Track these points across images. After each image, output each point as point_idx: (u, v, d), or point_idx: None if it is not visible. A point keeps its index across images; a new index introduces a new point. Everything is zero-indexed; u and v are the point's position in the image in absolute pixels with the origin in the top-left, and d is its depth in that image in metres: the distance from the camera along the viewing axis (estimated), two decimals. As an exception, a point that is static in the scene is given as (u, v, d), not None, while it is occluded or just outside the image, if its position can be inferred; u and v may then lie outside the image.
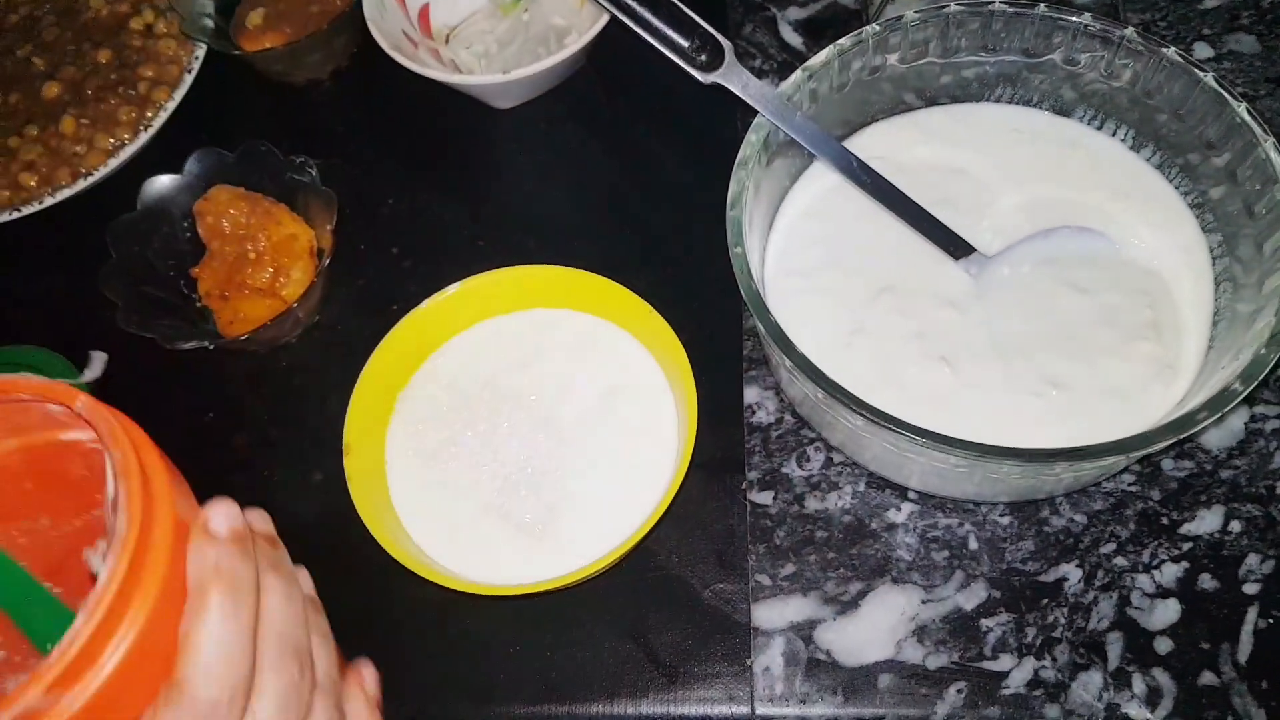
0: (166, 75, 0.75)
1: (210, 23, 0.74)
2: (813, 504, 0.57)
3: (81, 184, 0.70)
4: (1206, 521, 0.55)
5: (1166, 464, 0.56)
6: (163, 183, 0.66)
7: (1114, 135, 0.58)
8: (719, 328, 0.62)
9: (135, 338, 0.59)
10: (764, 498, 0.57)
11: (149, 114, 0.73)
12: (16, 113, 0.75)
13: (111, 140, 0.72)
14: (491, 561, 0.52)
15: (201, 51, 0.74)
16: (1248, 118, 0.50)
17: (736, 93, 0.54)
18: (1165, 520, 0.55)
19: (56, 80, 0.75)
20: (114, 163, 0.71)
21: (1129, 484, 0.56)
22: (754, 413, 0.59)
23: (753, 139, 0.53)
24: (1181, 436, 0.44)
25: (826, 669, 0.53)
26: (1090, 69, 0.55)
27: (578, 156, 0.71)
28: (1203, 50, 0.67)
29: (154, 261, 0.65)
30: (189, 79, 0.73)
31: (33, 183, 0.71)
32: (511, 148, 0.72)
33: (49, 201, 0.69)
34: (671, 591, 0.55)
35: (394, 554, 0.50)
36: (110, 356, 0.62)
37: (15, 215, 0.69)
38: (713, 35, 0.54)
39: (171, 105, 0.72)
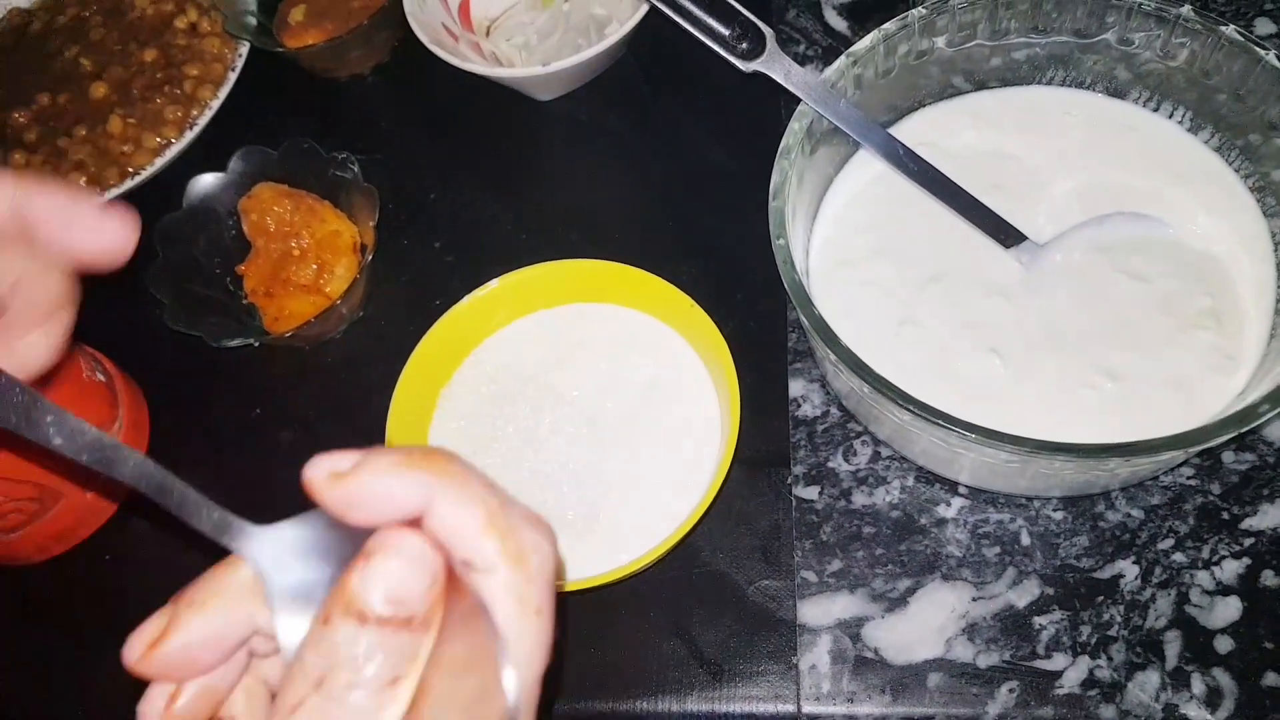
0: (211, 73, 0.75)
1: (253, 20, 0.75)
2: (860, 499, 0.56)
3: (130, 183, 0.71)
4: (1269, 516, 0.53)
5: (1227, 457, 0.54)
6: (208, 181, 0.67)
7: (1170, 117, 0.56)
8: (764, 320, 0.61)
9: (183, 336, 0.60)
10: (810, 493, 0.56)
11: (194, 112, 0.73)
12: (66, 113, 0.76)
13: (158, 139, 0.73)
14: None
15: (245, 49, 0.75)
16: (1312, 97, 0.48)
17: (779, 81, 0.53)
18: (1226, 515, 0.53)
19: (104, 80, 0.76)
20: (160, 161, 0.71)
21: (1188, 478, 0.54)
22: (799, 406, 0.58)
23: (795, 128, 0.52)
24: (1243, 430, 0.42)
25: (874, 667, 0.52)
26: (1145, 49, 0.54)
27: (619, 148, 0.70)
28: (1264, 26, 0.65)
29: (200, 260, 0.66)
30: (233, 77, 0.74)
31: (82, 182, 0.72)
32: (553, 140, 0.72)
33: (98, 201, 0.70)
34: (716, 588, 0.54)
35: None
36: (159, 354, 0.64)
37: (66, 215, 0.70)
38: (754, 22, 0.53)
39: (216, 104, 0.73)
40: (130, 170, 0.72)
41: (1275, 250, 0.52)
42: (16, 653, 0.59)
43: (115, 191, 0.70)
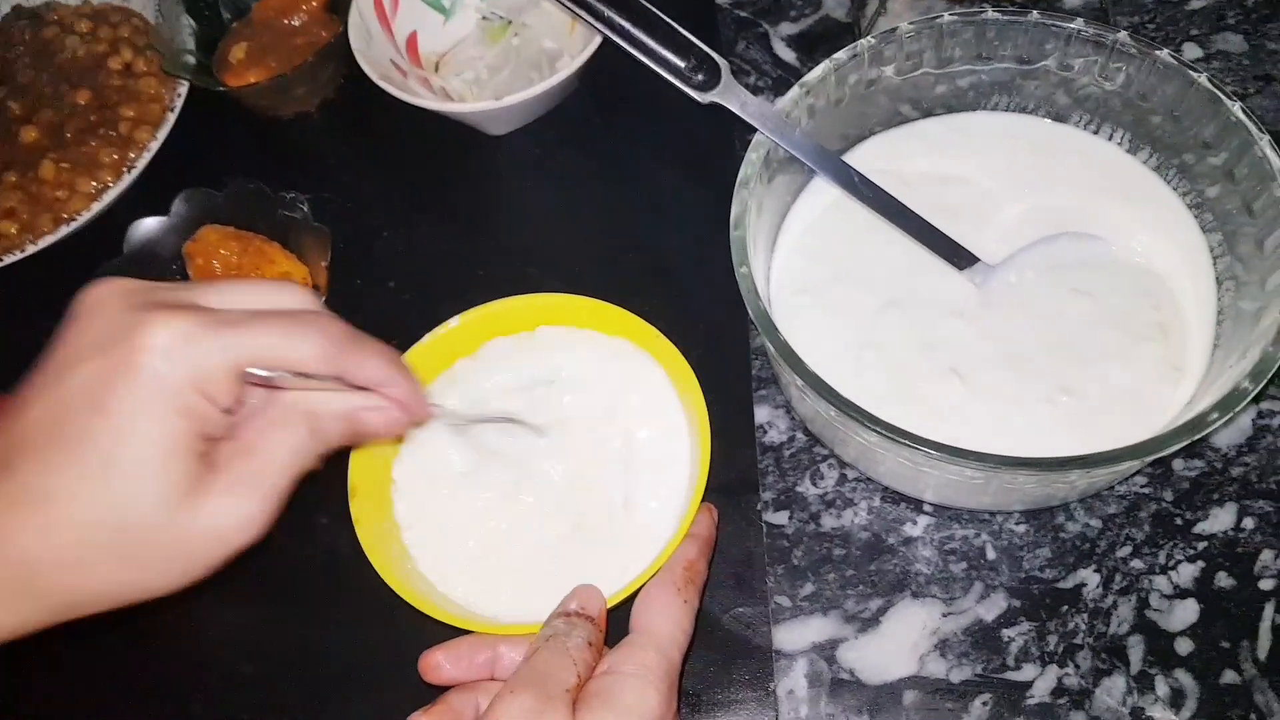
0: (148, 114, 0.74)
1: (192, 59, 0.73)
2: (829, 522, 0.56)
3: (65, 230, 0.69)
4: (1220, 520, 0.55)
5: (1177, 464, 0.56)
6: (149, 225, 0.65)
7: (1110, 139, 0.58)
8: (727, 348, 0.61)
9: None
10: (780, 518, 0.57)
11: (131, 155, 0.72)
12: (-6, 159, 0.74)
13: (94, 184, 0.71)
14: (506, 596, 0.52)
15: (184, 89, 0.73)
16: (1242, 116, 0.50)
17: (735, 111, 0.54)
18: (1179, 520, 0.55)
19: (34, 124, 0.74)
20: (98, 206, 0.69)
21: (1141, 486, 0.56)
22: (765, 432, 0.59)
23: (753, 157, 0.53)
24: (1194, 438, 0.44)
25: (851, 688, 0.52)
26: (1084, 74, 0.56)
27: (575, 181, 0.70)
28: (1192, 51, 0.68)
29: (146, 305, 0.64)
30: (172, 118, 0.72)
31: (14, 230, 0.70)
32: (507, 174, 0.71)
33: (31, 249, 0.68)
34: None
35: (405, 595, 0.49)
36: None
37: (-1, 264, 0.68)
38: (709, 54, 0.54)
39: (155, 145, 0.71)
40: (65, 216, 0.70)
41: (1215, 263, 0.54)
42: (22, 661, 0.57)
43: (49, 239, 0.68)
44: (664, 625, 0.45)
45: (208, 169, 0.72)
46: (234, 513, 0.37)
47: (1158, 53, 0.52)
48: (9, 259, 0.68)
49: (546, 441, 0.55)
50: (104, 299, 0.37)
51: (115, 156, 0.72)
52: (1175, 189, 0.56)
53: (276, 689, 0.56)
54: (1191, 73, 0.51)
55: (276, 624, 0.58)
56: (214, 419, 0.37)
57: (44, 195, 0.71)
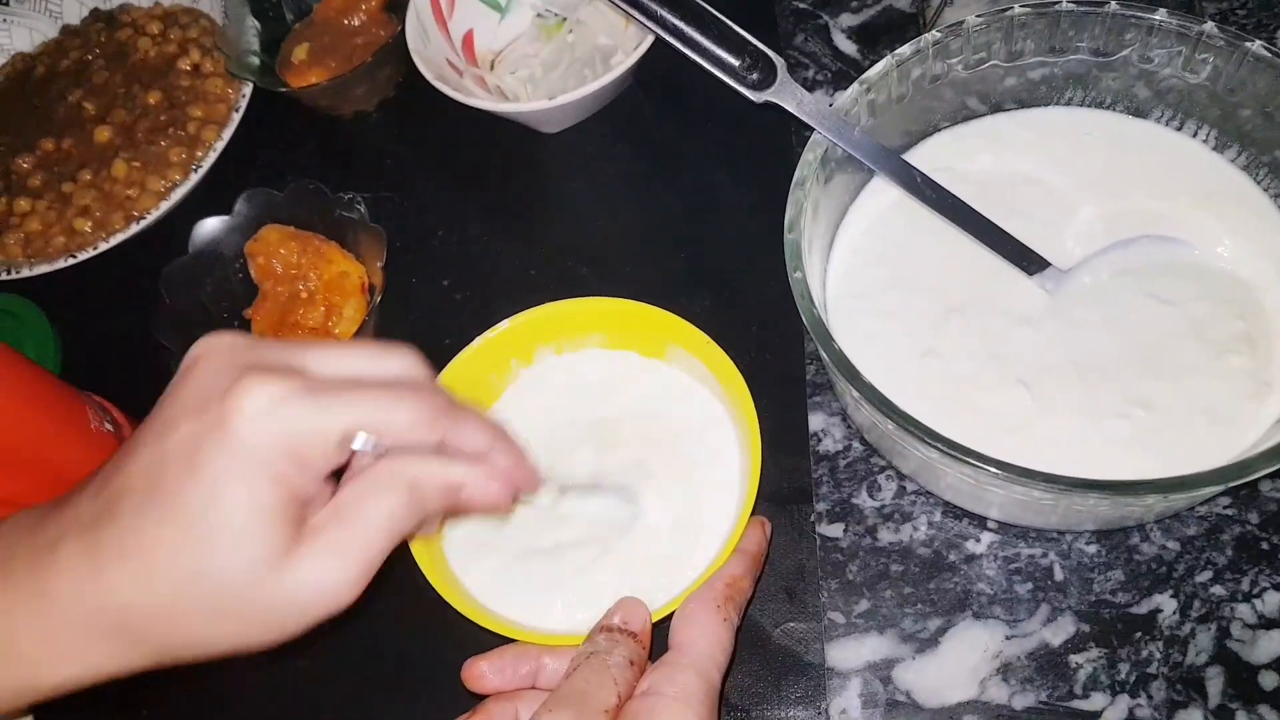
0: (215, 114, 0.75)
1: (256, 60, 0.74)
2: (886, 536, 0.54)
3: (135, 228, 0.70)
4: (1311, 545, 0.51)
5: (1264, 485, 0.53)
6: (213, 225, 0.66)
7: (1194, 136, 0.55)
8: (781, 352, 0.59)
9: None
10: (834, 530, 0.55)
11: (199, 154, 0.73)
12: (70, 158, 0.76)
13: (163, 182, 0.72)
14: (550, 607, 0.51)
15: (248, 89, 0.74)
16: (1342, 112, 0.46)
17: (791, 110, 0.52)
18: (1265, 545, 0.51)
19: (108, 124, 0.76)
20: (166, 205, 0.71)
21: (1224, 507, 0.52)
22: (820, 440, 0.57)
23: (809, 158, 0.51)
24: (1284, 462, 0.41)
25: (907, 711, 0.50)
26: (1166, 66, 0.52)
27: (628, 180, 0.69)
28: (1287, 39, 0.64)
29: (208, 305, 0.65)
30: (236, 117, 0.73)
31: (88, 228, 0.72)
32: (560, 173, 0.70)
33: (103, 246, 0.70)
34: (740, 632, 0.53)
35: (453, 602, 0.49)
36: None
37: (71, 261, 0.69)
38: (764, 52, 0.52)
39: (220, 145, 0.72)
40: (135, 214, 0.71)
41: (1308, 271, 0.51)
42: None
43: (121, 236, 0.70)
44: (704, 644, 0.44)
45: (269, 168, 0.73)
46: (324, 579, 0.37)
47: (1248, 44, 0.49)
48: (83, 255, 0.70)
49: (590, 450, 0.54)
50: (209, 354, 0.38)
51: (184, 156, 0.73)
52: (1265, 190, 0.53)
53: (328, 685, 0.56)
54: (1286, 65, 0.48)
55: (327, 621, 0.58)
56: (309, 485, 0.37)
57: (116, 194, 0.73)
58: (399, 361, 0.41)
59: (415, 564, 0.50)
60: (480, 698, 0.47)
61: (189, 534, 0.35)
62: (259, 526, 0.36)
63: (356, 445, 0.37)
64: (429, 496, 0.39)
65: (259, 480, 0.35)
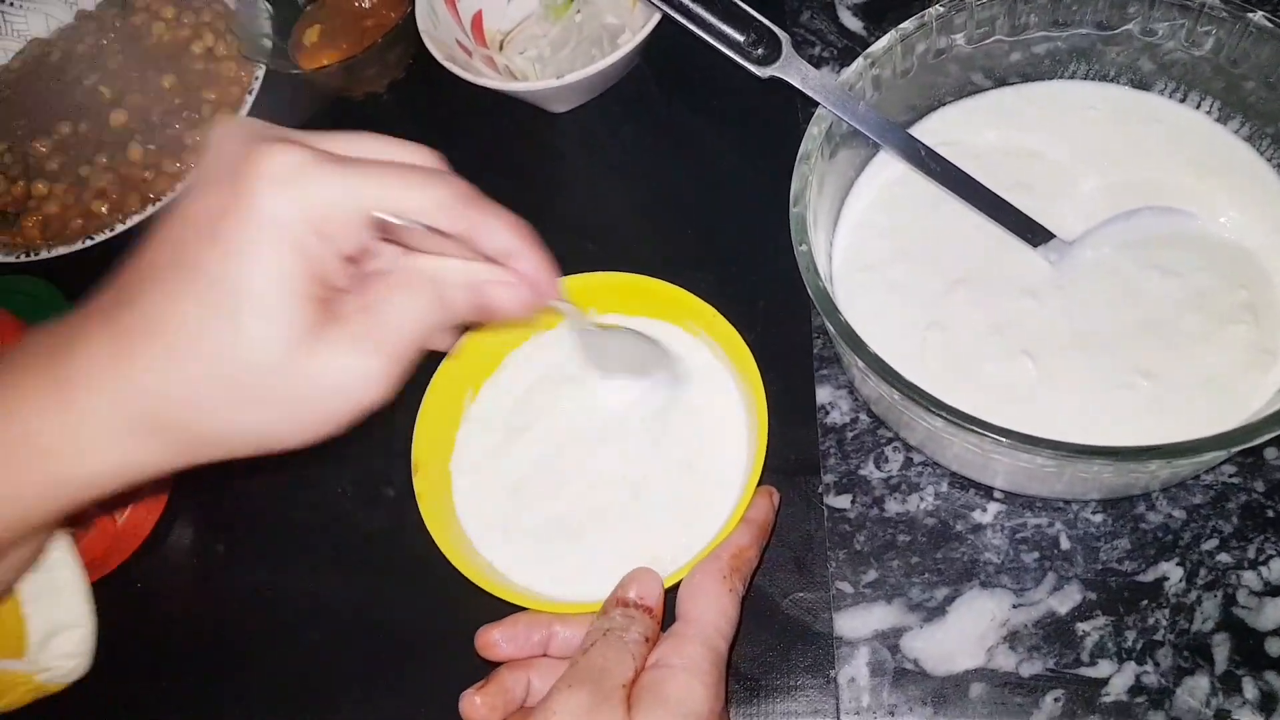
0: (228, 97, 0.75)
1: (269, 43, 0.75)
2: (893, 506, 0.55)
3: (151, 209, 0.71)
4: (1316, 512, 0.51)
5: (1270, 453, 0.53)
6: (227, 206, 0.67)
7: (1198, 108, 0.55)
8: (788, 325, 0.60)
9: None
10: (842, 501, 0.55)
11: (213, 137, 0.73)
12: (87, 142, 0.76)
13: (178, 165, 0.73)
14: (561, 576, 0.51)
15: (261, 72, 0.75)
16: (1346, 82, 0.46)
17: (796, 85, 0.52)
18: (1271, 513, 0.52)
19: (123, 108, 0.76)
20: (181, 187, 0.71)
21: (1230, 475, 0.53)
22: (827, 413, 0.58)
23: (814, 132, 0.51)
24: (1288, 427, 0.41)
25: (914, 679, 0.51)
26: (1169, 39, 0.52)
27: (635, 157, 0.70)
28: (1293, 10, 0.63)
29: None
30: (250, 100, 0.74)
31: (104, 210, 0.73)
32: (569, 152, 0.71)
33: (120, 228, 0.70)
34: (750, 602, 0.53)
35: (466, 572, 0.50)
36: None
37: (89, 243, 0.70)
38: (769, 28, 0.53)
39: (234, 127, 0.73)
40: (152, 196, 0.72)
41: (1312, 240, 0.51)
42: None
43: (137, 218, 0.70)
44: (710, 615, 0.44)
45: (283, 150, 0.73)
46: (357, 366, 0.36)
47: (1251, 15, 0.49)
48: (100, 237, 0.70)
49: (601, 422, 0.54)
50: (229, 134, 0.36)
51: (198, 138, 0.74)
52: (1269, 160, 0.53)
53: (344, 657, 0.57)
54: (1289, 35, 0.48)
55: (343, 592, 0.59)
56: (333, 264, 0.36)
57: (132, 176, 0.74)
58: (421, 152, 0.40)
59: (428, 534, 0.51)
60: (492, 666, 0.48)
61: (212, 306, 0.34)
62: (285, 297, 0.34)
63: (389, 219, 0.36)
64: (455, 296, 0.38)
65: (282, 248, 0.34)
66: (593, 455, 0.54)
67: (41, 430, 0.35)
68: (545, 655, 0.48)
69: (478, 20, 0.72)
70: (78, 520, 0.56)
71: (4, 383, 0.36)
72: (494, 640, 0.47)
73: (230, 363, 0.34)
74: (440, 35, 0.68)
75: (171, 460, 0.37)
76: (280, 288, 0.34)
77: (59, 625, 0.46)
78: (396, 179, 0.36)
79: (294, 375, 0.35)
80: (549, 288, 0.41)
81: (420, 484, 0.52)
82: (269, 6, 0.76)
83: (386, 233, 0.37)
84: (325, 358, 0.35)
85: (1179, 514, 0.52)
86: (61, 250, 0.70)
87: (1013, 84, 0.58)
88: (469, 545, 0.53)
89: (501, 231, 0.39)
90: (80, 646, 0.44)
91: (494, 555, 0.53)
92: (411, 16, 0.69)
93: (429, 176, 0.37)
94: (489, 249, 0.39)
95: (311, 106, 0.76)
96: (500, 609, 0.49)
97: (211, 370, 0.35)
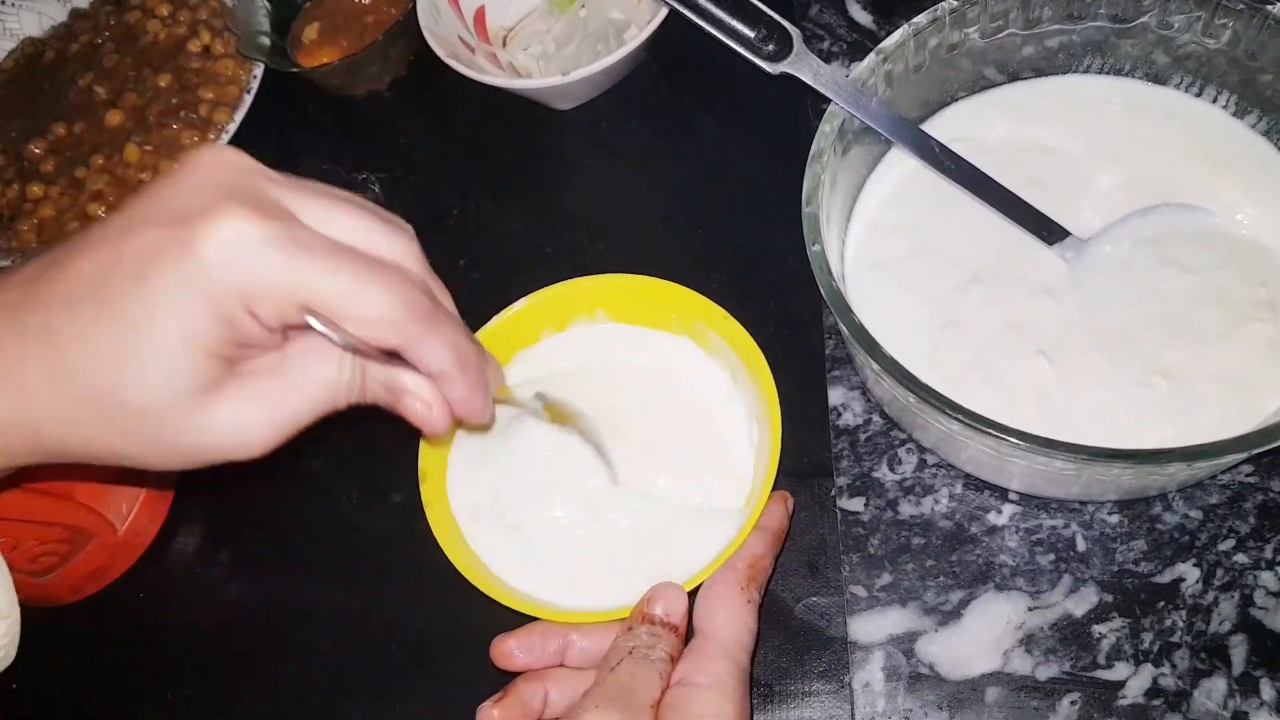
0: (226, 96, 0.74)
1: (267, 41, 0.74)
2: (907, 509, 0.54)
3: (148, 211, 0.70)
4: (1335, 512, 0.51)
5: (1288, 451, 0.52)
6: (227, 207, 0.66)
7: (1214, 102, 0.54)
8: (799, 326, 0.59)
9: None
10: (855, 504, 0.55)
11: (211, 136, 0.73)
12: (82, 143, 0.75)
13: (176, 165, 0.72)
14: (574, 586, 0.51)
15: (259, 70, 0.74)
16: (1365, 75, 0.46)
17: (808, 82, 0.52)
18: (1289, 512, 0.51)
19: (119, 108, 0.75)
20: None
21: (1247, 475, 0.52)
22: (840, 415, 0.57)
23: (826, 129, 0.50)
24: (1309, 429, 0.40)
25: (930, 683, 0.50)
26: (1185, 31, 0.52)
27: (643, 155, 0.69)
28: (1308, 2, 0.63)
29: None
30: (248, 99, 0.73)
31: (101, 213, 0.72)
32: (575, 149, 0.70)
33: (118, 231, 0.69)
34: (763, 607, 0.53)
35: (477, 583, 0.49)
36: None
37: (87, 246, 0.69)
38: (779, 23, 0.52)
39: (233, 127, 0.72)
40: (149, 198, 0.71)
41: (1331, 237, 0.50)
42: (52, 693, 0.59)
43: (135, 220, 0.69)
44: (730, 627, 0.44)
45: (282, 149, 0.72)
46: (241, 426, 0.35)
47: (1269, 7, 0.48)
48: (97, 241, 0.69)
49: (610, 427, 0.54)
50: (207, 166, 0.35)
51: (196, 138, 0.73)
52: (1287, 155, 0.52)
53: (352, 666, 0.57)
54: (1308, 28, 0.47)
55: (353, 601, 0.59)
56: (254, 333, 0.35)
57: (129, 177, 0.73)
58: (396, 241, 0.38)
59: (438, 545, 0.50)
60: (507, 675, 0.47)
61: (117, 343, 0.34)
62: (188, 359, 0.34)
63: (315, 327, 0.35)
64: (370, 387, 0.38)
65: (202, 313, 0.33)
66: (603, 462, 0.53)
67: None
68: (561, 665, 0.47)
69: (480, 16, 0.71)
70: (81, 535, 0.56)
71: None
72: (510, 650, 0.47)
73: (116, 401, 0.34)
74: (442, 32, 0.67)
75: (28, 460, 0.37)
76: (189, 344, 0.34)
77: None
78: (349, 282, 0.35)
79: (179, 426, 0.35)
80: (478, 412, 0.40)
81: (427, 493, 0.52)
82: (267, 4, 0.75)
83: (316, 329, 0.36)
84: (218, 413, 0.35)
85: (1195, 514, 0.52)
86: (59, 253, 0.69)
87: (1026, 78, 0.57)
88: (476, 554, 0.52)
89: (439, 353, 0.37)
90: (3, 639, 0.43)
91: (502, 563, 0.52)
92: (413, 12, 0.68)
93: (384, 283, 0.35)
94: (422, 368, 0.38)
95: (312, 105, 0.75)
96: (510, 617, 0.48)
97: (97, 399, 0.34)
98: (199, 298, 0.33)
